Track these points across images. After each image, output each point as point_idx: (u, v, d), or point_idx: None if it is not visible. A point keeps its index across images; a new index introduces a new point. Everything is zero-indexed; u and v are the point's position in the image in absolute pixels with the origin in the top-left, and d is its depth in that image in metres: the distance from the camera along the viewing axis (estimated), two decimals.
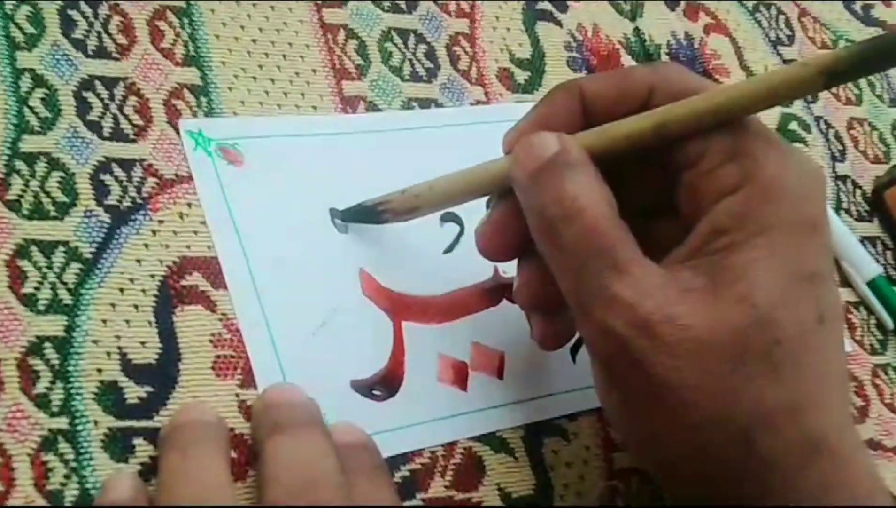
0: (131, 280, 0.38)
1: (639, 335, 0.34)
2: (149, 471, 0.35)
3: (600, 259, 0.34)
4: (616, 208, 0.36)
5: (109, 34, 0.42)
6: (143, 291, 0.38)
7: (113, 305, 0.37)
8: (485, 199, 0.41)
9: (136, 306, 0.38)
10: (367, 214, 0.42)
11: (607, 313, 0.34)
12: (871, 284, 0.53)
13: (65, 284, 0.37)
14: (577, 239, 0.35)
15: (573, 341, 0.44)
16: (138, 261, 0.39)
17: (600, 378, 0.37)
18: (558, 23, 0.53)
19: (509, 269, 0.45)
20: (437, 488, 0.39)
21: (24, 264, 0.37)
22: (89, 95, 0.41)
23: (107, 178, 0.39)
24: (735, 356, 0.33)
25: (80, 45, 0.41)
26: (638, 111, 0.37)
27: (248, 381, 0.38)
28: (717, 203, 0.35)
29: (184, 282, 0.39)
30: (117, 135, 0.40)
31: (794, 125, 0.57)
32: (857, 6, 0.65)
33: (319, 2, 0.47)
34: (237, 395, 0.38)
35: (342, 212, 0.43)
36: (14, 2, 0.41)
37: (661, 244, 0.36)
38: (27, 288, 0.36)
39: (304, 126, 0.44)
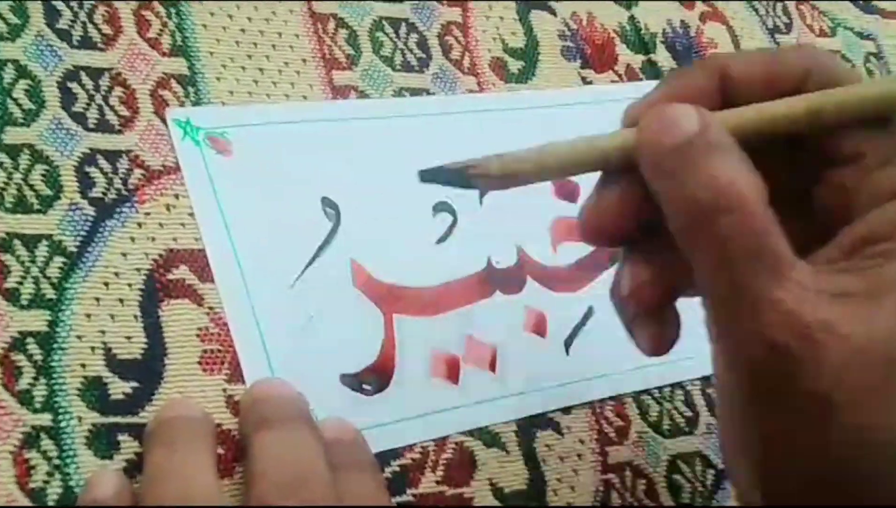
0: (116, 274, 0.38)
1: (800, 345, 0.30)
2: (134, 468, 0.35)
3: (760, 258, 0.31)
4: (767, 199, 0.32)
5: (95, 24, 0.41)
6: (129, 285, 0.38)
7: (97, 299, 0.37)
8: (475, 194, 0.40)
9: (121, 301, 0.37)
10: (454, 176, 0.37)
11: (765, 318, 0.31)
12: None
13: (48, 278, 0.36)
14: (734, 232, 0.31)
15: (568, 332, 0.44)
16: (124, 254, 0.38)
17: (738, 391, 0.33)
18: (552, 11, 0.52)
19: (503, 260, 0.44)
20: (429, 483, 0.39)
21: (7, 258, 0.36)
22: (74, 86, 0.40)
23: (92, 170, 0.39)
24: (894, 370, 0.31)
25: (64, 35, 0.41)
26: (788, 95, 0.34)
27: (236, 376, 0.38)
28: (874, 207, 0.33)
29: (170, 275, 0.38)
30: (103, 126, 0.40)
31: None
32: None
33: None
34: (224, 390, 0.37)
35: (422, 172, 0.37)
36: None
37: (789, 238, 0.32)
38: (10, 283, 0.36)
39: (295, 113, 0.44)
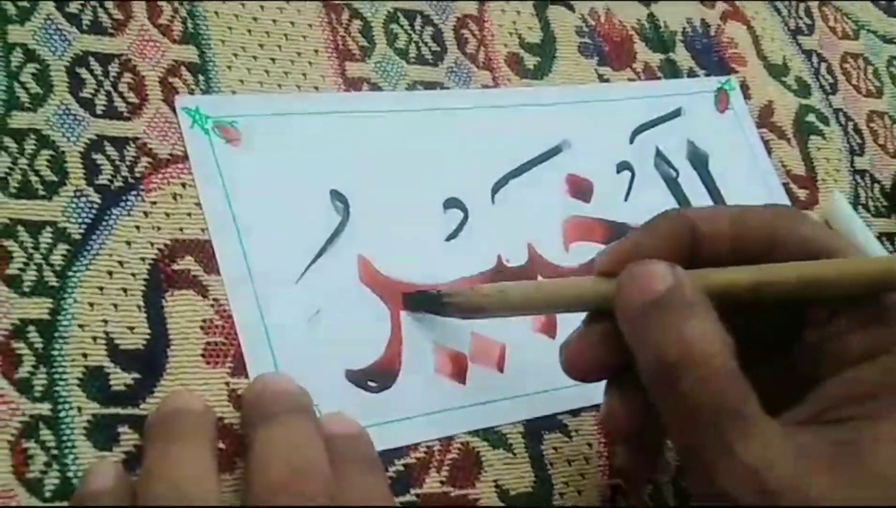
0: (120, 263, 0.37)
1: (763, 505, 0.31)
2: (133, 460, 0.34)
3: (724, 415, 0.32)
4: (735, 356, 0.33)
5: (105, 9, 0.41)
6: (133, 274, 0.37)
7: (101, 288, 0.36)
8: (490, 187, 0.40)
9: (124, 290, 0.37)
10: (429, 301, 0.40)
11: (730, 477, 0.31)
12: None
13: (51, 265, 0.36)
14: (698, 388, 0.32)
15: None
16: (128, 243, 0.37)
17: None
18: (570, 7, 0.52)
19: (513, 258, 0.44)
20: (433, 483, 0.38)
21: (10, 244, 0.36)
22: (83, 72, 0.39)
23: (98, 157, 0.38)
24: None
25: (74, 19, 0.40)
26: (754, 258, 0.36)
27: (240, 369, 0.37)
28: (847, 369, 0.34)
29: (175, 266, 0.38)
30: (110, 112, 0.39)
31: (811, 117, 0.55)
32: None
33: None
34: (227, 384, 0.37)
35: (407, 298, 0.41)
36: None
37: (760, 395, 0.33)
38: (12, 269, 0.35)
39: (307, 104, 0.43)
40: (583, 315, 0.38)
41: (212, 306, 0.38)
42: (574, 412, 0.42)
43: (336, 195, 0.42)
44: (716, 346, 0.33)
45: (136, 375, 0.36)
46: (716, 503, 0.32)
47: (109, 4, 0.41)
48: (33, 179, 0.37)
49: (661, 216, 0.38)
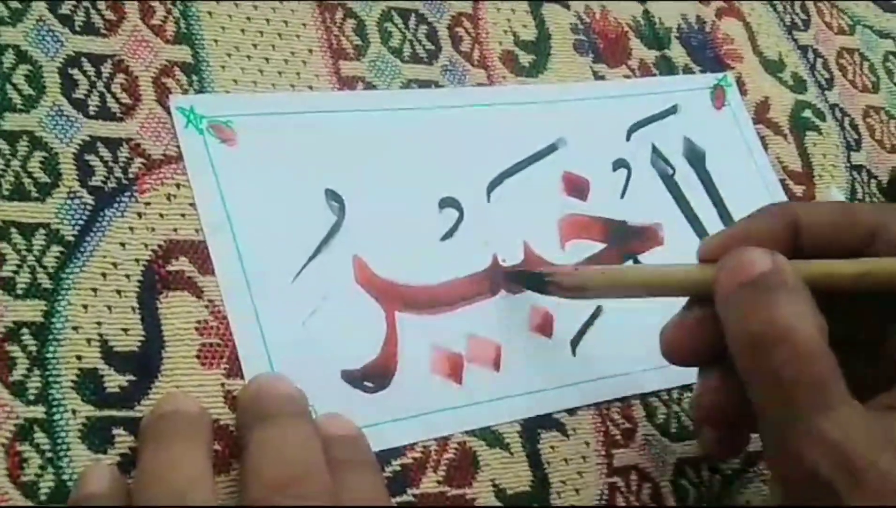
0: (114, 265, 0.37)
1: (843, 479, 0.32)
2: (128, 463, 0.34)
3: (809, 391, 0.33)
4: (827, 339, 0.34)
5: (97, 10, 0.41)
6: (127, 276, 0.37)
7: (94, 290, 0.36)
8: (485, 185, 0.40)
9: (118, 292, 0.37)
10: (532, 280, 0.42)
11: (811, 449, 0.33)
12: None
13: (45, 268, 0.36)
14: (786, 365, 0.33)
15: (575, 332, 0.43)
16: (122, 245, 0.37)
17: (784, 501, 0.35)
18: (565, 4, 0.52)
19: (508, 258, 0.43)
20: (430, 483, 0.38)
21: (3, 246, 0.35)
22: (75, 73, 0.39)
23: (91, 158, 0.38)
24: None
25: (66, 20, 0.40)
26: (856, 252, 0.37)
27: (235, 371, 0.37)
28: None
29: (170, 267, 0.38)
30: (103, 113, 0.39)
31: (807, 113, 0.55)
32: None
33: None
34: (223, 385, 0.37)
35: (507, 275, 0.42)
36: None
37: (851, 380, 0.34)
38: (5, 271, 0.35)
39: (301, 103, 0.43)
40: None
41: (206, 307, 0.38)
42: (571, 411, 0.42)
43: (331, 195, 0.41)
44: (809, 325, 0.34)
45: (131, 377, 0.35)
46: (798, 477, 0.33)
47: (102, 5, 0.41)
48: (26, 180, 0.37)
49: (765, 207, 0.40)
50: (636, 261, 0.46)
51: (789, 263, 0.36)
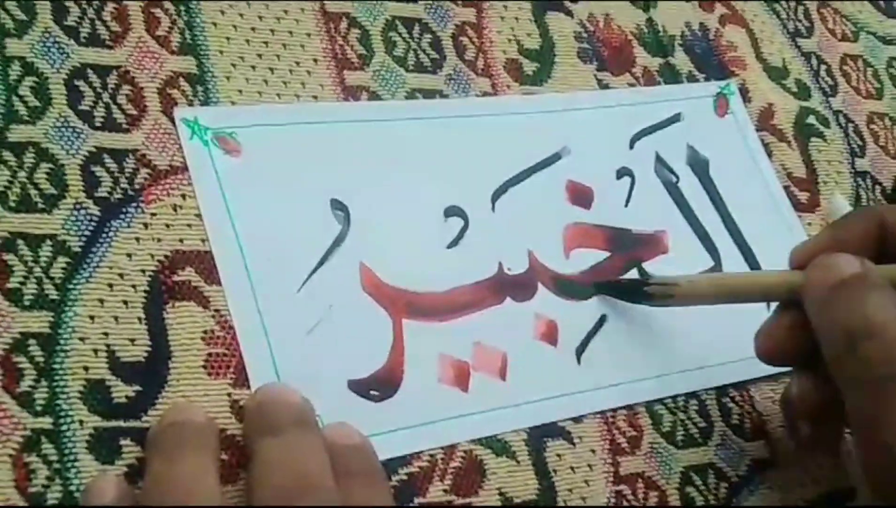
0: (121, 275, 0.37)
1: None
2: (136, 473, 0.34)
3: None
4: None
5: (103, 21, 0.41)
6: (133, 286, 0.37)
7: (101, 301, 0.36)
8: (490, 194, 0.40)
9: (125, 303, 0.37)
10: (626, 290, 0.44)
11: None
12: None
13: (51, 279, 0.36)
14: (875, 357, 0.35)
15: (580, 341, 0.43)
16: (129, 255, 0.37)
17: (873, 494, 0.37)
18: (569, 13, 0.52)
19: (514, 266, 0.43)
20: (436, 492, 0.38)
21: (10, 257, 0.36)
22: (81, 84, 0.39)
23: (97, 169, 0.38)
24: None
25: (72, 32, 0.40)
26: None
27: (241, 380, 0.37)
28: None
29: (176, 277, 0.38)
30: (109, 124, 0.39)
31: (812, 119, 0.55)
32: None
33: None
34: (229, 395, 0.37)
35: (596, 285, 0.44)
36: None
37: None
38: (12, 283, 0.35)
39: (305, 114, 0.43)
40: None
41: (213, 316, 0.38)
42: (577, 419, 0.42)
43: (336, 204, 0.42)
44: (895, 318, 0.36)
45: (138, 387, 0.36)
46: (887, 469, 0.35)
47: (107, 17, 0.41)
48: (32, 192, 0.37)
49: (851, 212, 0.42)
50: (640, 268, 0.46)
51: (876, 267, 0.38)
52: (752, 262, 0.49)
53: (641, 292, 0.43)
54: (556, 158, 0.47)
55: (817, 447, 0.43)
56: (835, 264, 0.38)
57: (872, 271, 0.38)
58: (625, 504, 0.41)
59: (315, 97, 0.44)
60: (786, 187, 0.52)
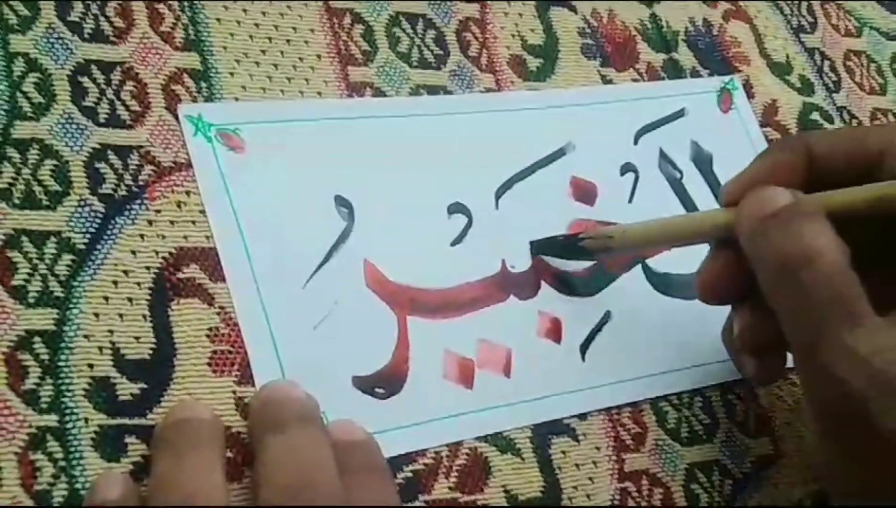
0: (126, 272, 0.37)
1: (873, 390, 0.34)
2: (141, 471, 0.34)
3: (837, 307, 0.35)
4: (849, 259, 0.36)
5: (107, 17, 0.41)
6: (138, 283, 0.37)
7: (106, 298, 0.36)
8: (494, 191, 0.40)
9: (130, 300, 0.37)
10: (564, 248, 0.44)
11: (841, 363, 0.34)
12: None
13: (56, 276, 0.36)
14: (814, 284, 0.35)
15: (584, 338, 0.43)
16: (133, 252, 0.37)
17: (816, 426, 0.37)
18: (572, 8, 0.52)
19: (517, 264, 0.43)
20: (441, 489, 0.38)
21: (14, 254, 0.36)
22: (85, 80, 0.39)
23: (102, 165, 0.38)
24: None
25: (76, 28, 0.40)
26: (867, 175, 0.38)
27: (246, 378, 0.37)
28: None
29: (180, 274, 0.38)
30: (113, 121, 0.39)
31: (815, 115, 0.55)
32: None
33: None
34: (234, 392, 0.37)
35: (534, 244, 0.44)
36: None
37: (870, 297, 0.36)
38: (17, 280, 0.35)
39: (309, 111, 0.43)
40: None
41: (218, 314, 0.38)
42: (581, 416, 0.42)
43: (340, 201, 0.41)
44: (832, 248, 0.36)
45: (143, 385, 0.36)
46: (830, 395, 0.35)
47: (111, 12, 0.41)
48: (37, 189, 0.37)
49: (777, 141, 0.41)
50: (645, 265, 0.46)
51: (807, 196, 0.38)
52: None
53: (578, 247, 0.43)
54: (559, 154, 0.47)
55: (764, 380, 0.43)
56: (767, 197, 0.38)
57: (804, 200, 0.38)
58: (629, 501, 0.41)
59: (319, 93, 0.44)
60: None
